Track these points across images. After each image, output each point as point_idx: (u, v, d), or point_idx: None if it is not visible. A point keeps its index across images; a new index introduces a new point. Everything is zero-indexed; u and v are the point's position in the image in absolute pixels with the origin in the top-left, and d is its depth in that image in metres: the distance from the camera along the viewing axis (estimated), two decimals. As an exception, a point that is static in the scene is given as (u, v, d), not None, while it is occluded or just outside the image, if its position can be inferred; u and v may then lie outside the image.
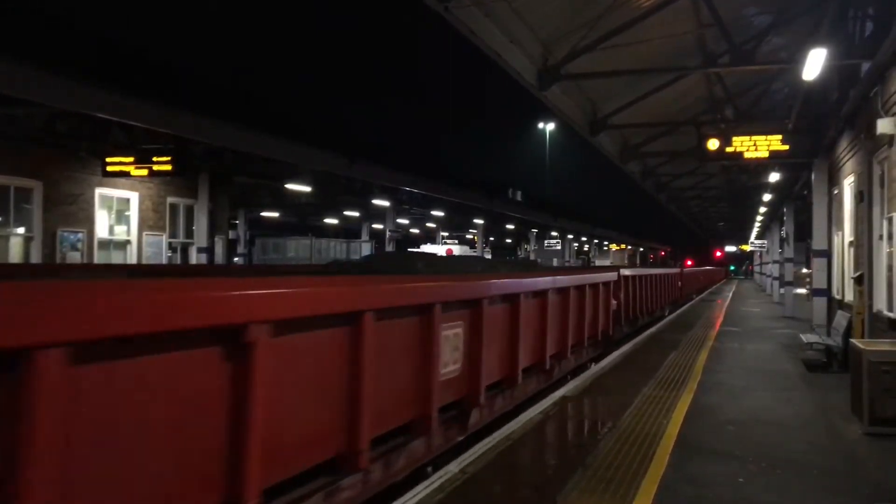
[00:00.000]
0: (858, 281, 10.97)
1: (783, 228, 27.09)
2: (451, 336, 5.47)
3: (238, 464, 3.14)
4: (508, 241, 74.55)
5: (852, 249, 12.75)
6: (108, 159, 16.92)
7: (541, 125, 38.09)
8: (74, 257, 16.68)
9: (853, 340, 8.04)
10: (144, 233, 19.08)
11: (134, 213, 18.84)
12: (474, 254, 47.65)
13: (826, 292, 15.84)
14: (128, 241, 18.67)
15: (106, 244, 18.03)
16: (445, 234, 50.66)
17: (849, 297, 12.68)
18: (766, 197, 26.27)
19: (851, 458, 6.08)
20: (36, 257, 15.73)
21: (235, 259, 33.07)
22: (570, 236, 56.91)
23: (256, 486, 3.21)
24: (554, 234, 54.73)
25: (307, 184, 24.55)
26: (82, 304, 2.44)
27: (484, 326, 5.91)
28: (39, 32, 11.28)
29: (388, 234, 33.48)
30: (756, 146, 13.86)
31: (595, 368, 10.58)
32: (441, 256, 13.78)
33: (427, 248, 47.21)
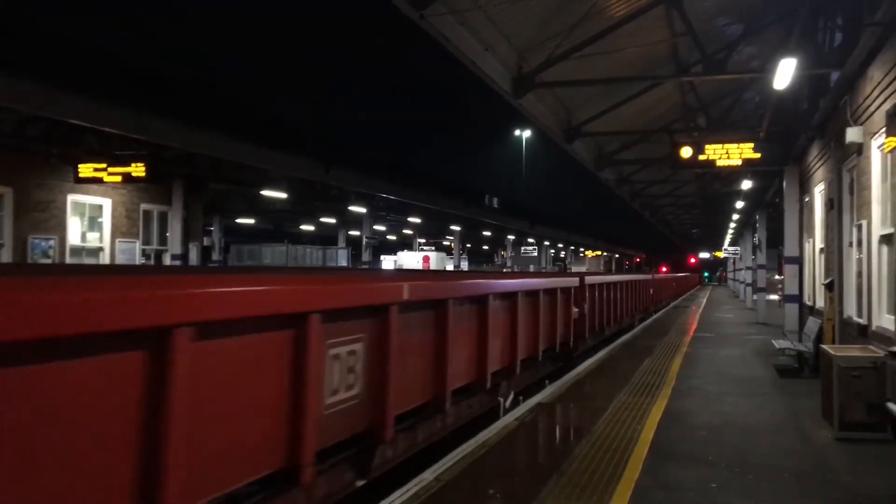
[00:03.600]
0: (829, 287, 11.12)
1: (755, 235, 27.41)
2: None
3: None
4: (485, 247, 74.69)
5: (823, 256, 12.94)
6: (80, 165, 16.71)
7: (517, 132, 38.21)
8: (45, 264, 16.43)
9: (824, 346, 8.14)
10: (117, 240, 18.84)
11: (107, 220, 18.60)
12: (451, 260, 47.65)
13: (798, 298, 16.03)
14: (100, 248, 18.44)
15: (78, 251, 17.78)
16: (422, 240, 50.58)
17: (820, 303, 12.86)
18: (739, 204, 26.57)
19: (822, 462, 6.16)
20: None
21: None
22: (547, 243, 57.13)
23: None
24: (530, 240, 54.93)
25: (283, 190, 24.44)
26: None
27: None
28: (10, 37, 11.13)
29: (364, 240, 33.42)
30: (728, 154, 14.00)
31: (570, 375, 10.62)
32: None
33: (404, 254, 47.10)
